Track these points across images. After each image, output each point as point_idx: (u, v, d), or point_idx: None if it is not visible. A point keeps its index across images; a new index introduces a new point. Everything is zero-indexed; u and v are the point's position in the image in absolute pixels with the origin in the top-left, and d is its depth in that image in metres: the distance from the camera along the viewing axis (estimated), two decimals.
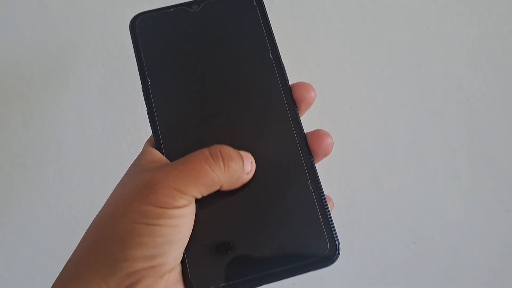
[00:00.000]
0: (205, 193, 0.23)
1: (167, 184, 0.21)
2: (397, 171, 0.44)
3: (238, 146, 0.24)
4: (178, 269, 0.23)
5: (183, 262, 0.23)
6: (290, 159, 0.25)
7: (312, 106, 0.41)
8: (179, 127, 0.25)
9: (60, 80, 0.37)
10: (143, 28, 0.27)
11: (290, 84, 0.27)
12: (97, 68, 0.38)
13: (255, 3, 0.28)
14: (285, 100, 0.26)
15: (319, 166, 0.42)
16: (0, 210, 0.40)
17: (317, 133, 0.26)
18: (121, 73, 0.38)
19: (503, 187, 0.45)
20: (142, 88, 0.26)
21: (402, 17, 0.40)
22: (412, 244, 0.45)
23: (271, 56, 0.27)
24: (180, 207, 0.22)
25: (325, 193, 0.25)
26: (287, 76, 0.27)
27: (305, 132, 0.26)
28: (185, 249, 0.23)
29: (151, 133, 0.26)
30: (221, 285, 0.22)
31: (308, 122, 0.41)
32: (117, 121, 0.39)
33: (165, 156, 0.25)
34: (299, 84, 0.27)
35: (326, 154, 0.26)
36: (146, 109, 0.26)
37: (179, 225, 0.22)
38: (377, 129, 0.42)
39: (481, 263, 0.47)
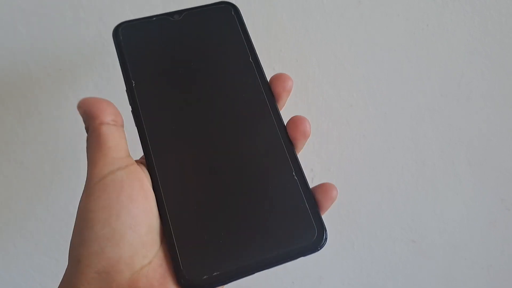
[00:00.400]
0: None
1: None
2: (396, 169, 0.43)
3: (223, 141, 0.26)
4: (156, 262, 0.23)
5: (172, 254, 0.23)
6: (274, 152, 0.26)
7: (311, 104, 0.41)
8: (163, 123, 0.26)
9: (57, 78, 0.37)
10: (126, 35, 0.28)
11: (269, 77, 0.28)
12: (94, 66, 0.37)
13: (233, 13, 0.30)
14: (265, 96, 0.28)
15: (318, 164, 0.42)
16: None
17: (293, 120, 0.27)
18: (118, 70, 0.38)
19: (502, 186, 0.45)
20: (127, 90, 0.27)
21: (401, 14, 0.40)
22: (411, 243, 0.45)
23: (250, 59, 0.29)
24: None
25: (328, 182, 0.26)
26: (266, 76, 0.28)
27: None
28: (175, 241, 0.23)
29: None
30: (213, 274, 0.23)
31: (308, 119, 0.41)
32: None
33: (152, 150, 0.25)
34: (277, 76, 0.28)
35: (306, 137, 0.27)
36: (130, 109, 0.26)
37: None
38: (376, 127, 0.42)
39: (481, 262, 0.47)
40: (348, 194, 0.43)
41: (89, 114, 0.25)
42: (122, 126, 0.26)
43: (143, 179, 0.24)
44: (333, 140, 0.42)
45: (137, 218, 0.23)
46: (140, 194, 0.23)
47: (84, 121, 0.25)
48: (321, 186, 0.26)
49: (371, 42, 0.40)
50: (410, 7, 0.40)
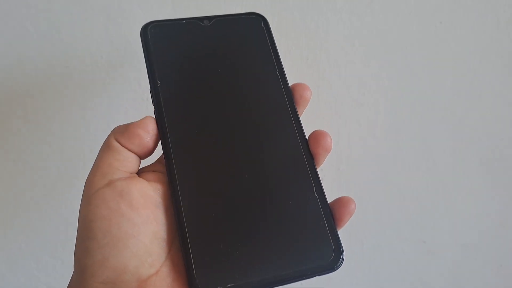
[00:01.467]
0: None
1: None
2: (406, 169, 0.43)
3: (245, 153, 0.26)
4: (164, 271, 0.22)
5: (187, 262, 0.23)
6: (296, 167, 0.26)
7: (322, 103, 0.40)
8: (185, 127, 0.26)
9: (64, 76, 0.37)
10: (155, 35, 0.28)
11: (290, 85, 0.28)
12: (101, 63, 0.37)
13: (262, 25, 0.30)
14: (289, 110, 0.27)
15: (327, 163, 0.41)
16: (2, 208, 0.39)
17: (315, 134, 0.27)
18: (126, 68, 0.37)
19: None
20: (151, 90, 0.26)
21: (414, 11, 0.39)
22: (422, 243, 0.45)
23: (277, 72, 0.28)
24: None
25: (346, 196, 0.26)
26: (291, 90, 0.28)
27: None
28: (190, 248, 0.23)
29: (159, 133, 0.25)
30: (227, 285, 0.22)
31: (317, 119, 0.40)
32: (121, 117, 0.38)
33: (172, 153, 0.25)
34: (297, 85, 0.28)
35: (327, 152, 0.27)
36: (153, 109, 0.26)
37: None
38: (387, 126, 0.41)
39: (491, 262, 0.46)
40: (357, 194, 0.43)
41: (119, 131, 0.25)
42: (143, 156, 0.25)
43: (146, 188, 0.24)
44: (343, 140, 0.41)
45: (139, 227, 0.22)
46: (140, 202, 0.23)
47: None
48: (339, 200, 0.25)
49: (383, 40, 0.40)
50: (423, 4, 0.39)
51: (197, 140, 0.26)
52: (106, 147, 0.24)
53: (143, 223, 0.22)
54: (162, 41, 0.28)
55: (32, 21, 0.35)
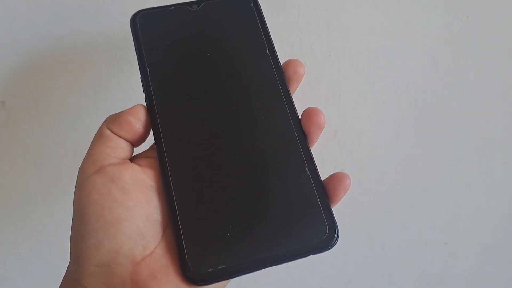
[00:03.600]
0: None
1: None
2: (429, 168, 0.42)
3: (236, 134, 0.26)
4: (158, 253, 0.23)
5: (178, 245, 0.23)
6: (288, 146, 0.26)
7: (343, 101, 0.39)
8: (176, 112, 0.26)
9: (77, 72, 0.35)
10: (144, 23, 0.28)
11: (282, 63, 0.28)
12: (116, 60, 0.35)
13: (252, 5, 0.29)
14: (281, 89, 0.27)
15: (349, 163, 0.40)
16: (13, 210, 0.38)
17: (307, 112, 0.26)
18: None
19: None
20: (141, 77, 0.27)
21: (439, 5, 0.38)
22: (443, 245, 0.44)
23: (268, 52, 0.28)
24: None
25: (341, 172, 0.25)
26: (282, 70, 0.28)
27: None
28: (182, 231, 0.23)
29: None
30: (219, 267, 0.22)
31: (339, 116, 0.39)
32: None
33: (162, 137, 0.25)
34: (291, 61, 0.28)
35: (320, 129, 0.26)
36: (144, 97, 0.26)
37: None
38: (410, 125, 0.40)
39: None
40: (379, 195, 0.42)
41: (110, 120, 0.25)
42: (135, 143, 0.26)
43: (137, 172, 0.24)
44: (365, 138, 0.40)
45: (132, 210, 0.23)
46: (132, 186, 0.23)
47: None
48: (333, 176, 0.25)
49: (407, 34, 0.38)
50: None
51: (187, 124, 0.26)
52: (98, 136, 0.25)
53: (135, 206, 0.23)
54: (152, 29, 0.28)
55: (42, 16, 0.34)
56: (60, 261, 0.39)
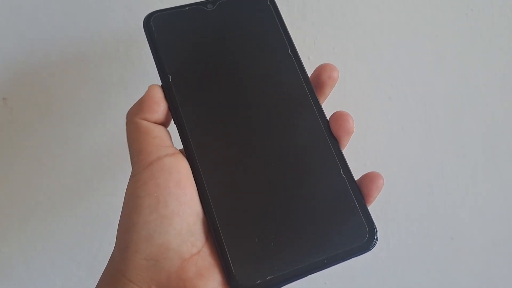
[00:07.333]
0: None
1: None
2: (435, 163, 0.41)
3: (266, 140, 0.25)
4: (205, 252, 0.22)
5: (222, 256, 0.22)
6: (320, 150, 0.25)
7: (348, 96, 0.38)
8: (204, 119, 0.25)
9: (80, 69, 0.35)
10: (159, 26, 0.26)
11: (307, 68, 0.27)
12: (119, 57, 0.35)
13: (269, 2, 0.28)
14: (307, 91, 0.26)
15: (354, 158, 0.40)
16: (18, 208, 0.38)
17: (335, 116, 0.26)
18: (143, 60, 0.36)
19: None
20: (162, 86, 0.25)
21: None
22: (450, 240, 0.43)
23: (290, 52, 0.27)
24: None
25: (374, 171, 0.25)
26: (306, 70, 0.27)
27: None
28: (225, 244, 0.22)
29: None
30: (267, 278, 0.22)
31: (351, 115, 0.39)
32: None
33: (192, 143, 0.24)
34: (325, 65, 0.27)
35: (350, 134, 0.26)
36: (168, 105, 0.25)
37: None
38: (416, 120, 0.40)
39: None
40: (384, 190, 0.41)
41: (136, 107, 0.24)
42: (166, 125, 0.25)
43: (188, 167, 0.24)
44: (370, 134, 0.39)
45: (185, 206, 0.22)
46: (188, 181, 0.23)
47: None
48: (366, 176, 0.25)
49: (412, 29, 0.38)
50: None
51: (218, 132, 0.25)
52: (135, 129, 0.24)
53: (188, 202, 0.22)
54: (168, 32, 0.26)
55: (47, 13, 0.33)
56: (65, 258, 0.39)
